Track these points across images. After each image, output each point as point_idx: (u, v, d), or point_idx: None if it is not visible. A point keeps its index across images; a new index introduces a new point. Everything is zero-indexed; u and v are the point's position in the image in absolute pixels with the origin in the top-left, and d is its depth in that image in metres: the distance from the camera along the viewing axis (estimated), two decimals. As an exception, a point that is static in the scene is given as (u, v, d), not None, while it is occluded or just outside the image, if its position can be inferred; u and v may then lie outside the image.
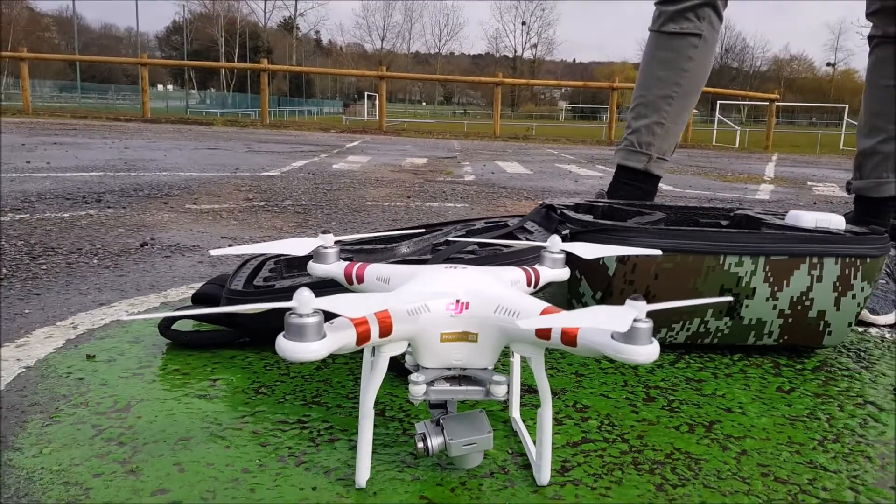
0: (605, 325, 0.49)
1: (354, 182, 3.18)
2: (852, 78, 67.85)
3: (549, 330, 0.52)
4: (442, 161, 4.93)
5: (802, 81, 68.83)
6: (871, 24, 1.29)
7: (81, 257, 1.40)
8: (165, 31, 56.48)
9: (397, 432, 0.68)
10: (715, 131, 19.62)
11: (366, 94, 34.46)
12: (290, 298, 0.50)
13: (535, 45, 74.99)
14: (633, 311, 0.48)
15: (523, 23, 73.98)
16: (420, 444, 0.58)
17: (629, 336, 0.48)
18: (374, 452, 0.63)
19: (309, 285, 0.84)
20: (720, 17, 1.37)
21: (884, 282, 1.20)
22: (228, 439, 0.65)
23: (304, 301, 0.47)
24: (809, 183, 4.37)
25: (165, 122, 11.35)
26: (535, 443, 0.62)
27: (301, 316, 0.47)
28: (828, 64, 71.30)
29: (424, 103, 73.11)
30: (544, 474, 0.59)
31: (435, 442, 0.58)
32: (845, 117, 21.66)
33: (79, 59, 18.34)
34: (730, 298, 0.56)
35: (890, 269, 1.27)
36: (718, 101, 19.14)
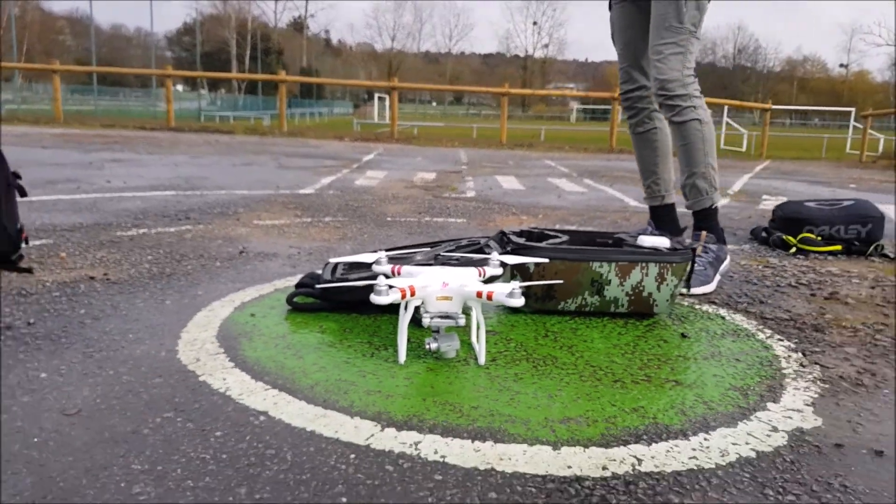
0: (503, 290, 1.23)
1: (376, 199, 3.92)
2: (865, 79, 67.98)
3: (480, 293, 1.26)
4: (448, 176, 5.67)
5: (815, 82, 69.08)
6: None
7: (207, 261, 2.14)
8: (176, 32, 57.20)
9: (415, 346, 1.41)
10: (723, 135, 20.16)
11: (376, 95, 34.86)
12: (369, 280, 1.24)
13: (546, 45, 75.48)
14: (513, 285, 1.22)
15: (534, 23, 74.44)
16: (427, 347, 1.31)
17: (510, 295, 1.22)
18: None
19: (362, 277, 1.57)
20: (661, 113, 2.26)
21: (702, 267, 1.93)
22: (337, 347, 1.39)
23: (382, 280, 1.21)
24: (764, 197, 5.06)
25: (189, 131, 12.14)
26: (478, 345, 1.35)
27: (381, 287, 1.21)
28: (841, 65, 71.37)
29: (435, 103, 73.63)
30: (481, 360, 1.33)
31: (433, 346, 1.32)
32: (851, 121, 22.01)
33: (105, 70, 19.20)
34: (560, 281, 1.29)
35: (713, 258, 2.01)
36: (725, 105, 19.62)
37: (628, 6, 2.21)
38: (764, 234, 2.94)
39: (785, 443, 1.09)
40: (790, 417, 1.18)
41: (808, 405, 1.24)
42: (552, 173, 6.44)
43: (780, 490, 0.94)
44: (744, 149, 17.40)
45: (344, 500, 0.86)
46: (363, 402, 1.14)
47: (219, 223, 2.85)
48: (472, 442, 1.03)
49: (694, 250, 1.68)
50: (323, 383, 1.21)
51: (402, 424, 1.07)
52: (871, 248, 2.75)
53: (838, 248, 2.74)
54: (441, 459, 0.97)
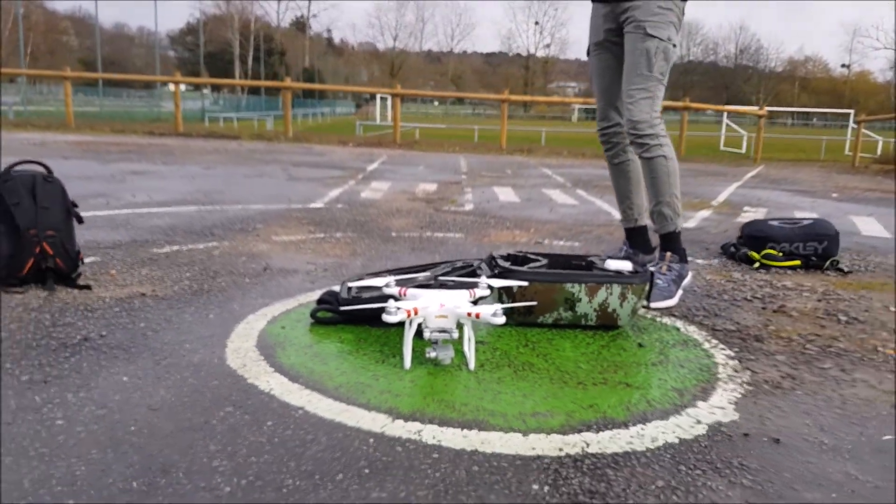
0: (488, 311, 1.57)
1: (381, 213, 4.24)
2: (867, 79, 68.22)
3: (470, 313, 1.58)
4: (448, 187, 6.00)
5: (817, 82, 69.29)
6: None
7: (237, 277, 2.46)
8: (179, 32, 57.48)
9: (417, 354, 1.73)
10: (723, 136, 20.41)
11: (378, 96, 35.13)
12: (381, 301, 1.56)
13: (548, 45, 75.76)
14: (497, 306, 1.55)
15: (536, 22, 74.74)
16: (427, 355, 1.64)
17: (494, 315, 1.55)
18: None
19: (373, 298, 1.89)
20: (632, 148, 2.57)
21: (665, 284, 2.25)
22: (355, 355, 1.71)
23: (392, 302, 1.54)
24: (745, 208, 5.38)
25: (197, 136, 12.47)
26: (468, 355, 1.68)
27: (391, 308, 1.54)
28: (843, 65, 71.49)
29: (437, 103, 73.93)
30: (471, 366, 1.65)
31: (432, 354, 1.64)
32: (850, 122, 22.24)
33: (116, 77, 19.54)
34: (534, 303, 1.62)
35: (676, 276, 2.32)
36: (724, 111, 19.96)
37: (604, 54, 2.53)
38: (732, 249, 3.26)
39: (704, 432, 1.41)
40: (714, 413, 1.50)
41: (731, 403, 1.56)
42: (547, 183, 6.76)
43: (692, 467, 1.27)
44: (743, 150, 17.68)
45: (367, 471, 1.19)
46: (377, 399, 1.47)
47: (241, 240, 3.17)
48: (462, 430, 1.35)
49: (652, 273, 2.00)
50: (345, 385, 1.54)
51: (408, 417, 1.39)
52: (828, 262, 3.07)
53: (797, 262, 3.06)
54: (437, 443, 1.30)
